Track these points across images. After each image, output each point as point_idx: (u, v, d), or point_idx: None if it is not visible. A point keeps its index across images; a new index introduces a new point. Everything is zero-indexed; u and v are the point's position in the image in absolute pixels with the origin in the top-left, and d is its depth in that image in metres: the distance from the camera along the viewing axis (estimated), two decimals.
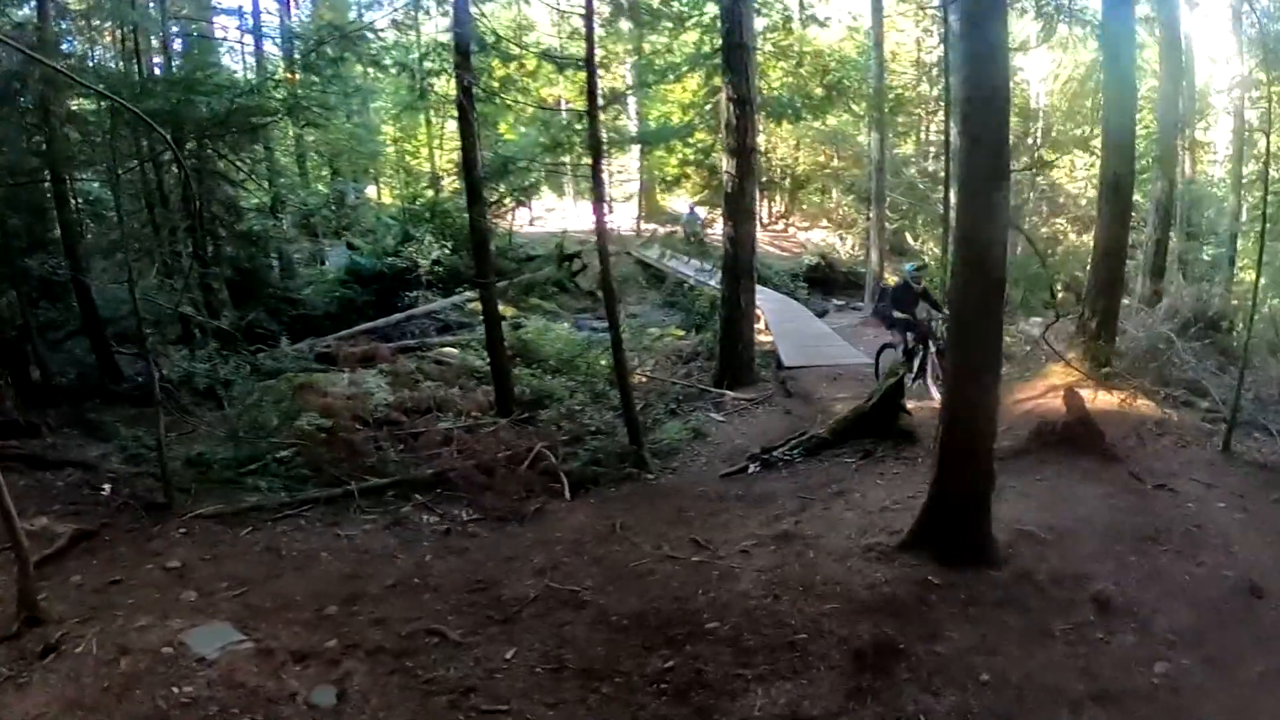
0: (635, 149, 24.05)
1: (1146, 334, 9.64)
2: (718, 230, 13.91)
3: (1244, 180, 15.11)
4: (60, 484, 7.35)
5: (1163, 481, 5.79)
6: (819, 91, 14.52)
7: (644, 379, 11.85)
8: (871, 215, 18.91)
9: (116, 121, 8.94)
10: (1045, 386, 7.23)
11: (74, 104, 10.30)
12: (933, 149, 23.27)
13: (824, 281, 21.65)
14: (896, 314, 9.61)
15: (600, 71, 19.61)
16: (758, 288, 15.41)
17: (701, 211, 19.30)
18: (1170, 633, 3.88)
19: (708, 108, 16.65)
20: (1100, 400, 7.30)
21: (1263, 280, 12.14)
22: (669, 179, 25.99)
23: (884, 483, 6.02)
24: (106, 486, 7.45)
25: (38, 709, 3.64)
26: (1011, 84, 4.90)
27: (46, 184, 10.12)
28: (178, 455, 7.78)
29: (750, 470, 7.36)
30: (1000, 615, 4.02)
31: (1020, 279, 8.27)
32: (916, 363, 9.51)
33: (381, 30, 13.46)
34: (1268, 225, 12.29)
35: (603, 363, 11.36)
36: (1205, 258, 15.68)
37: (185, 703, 3.41)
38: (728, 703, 3.42)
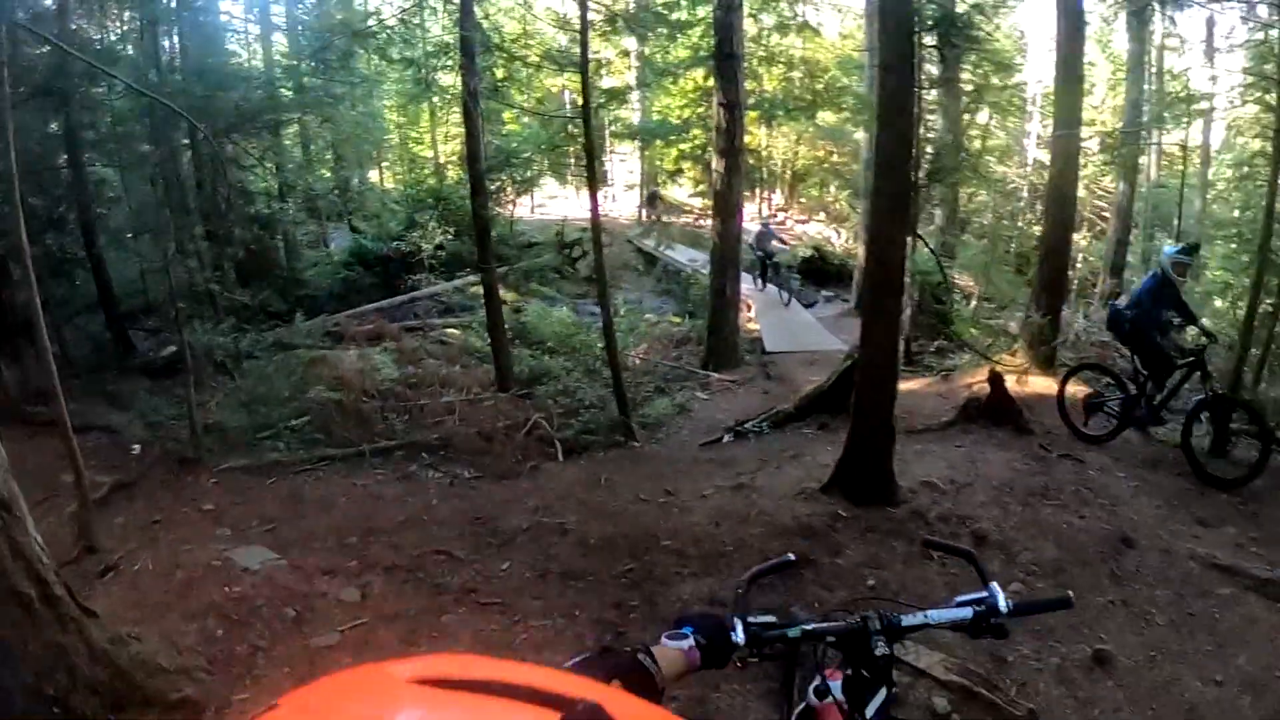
0: (636, 140, 24.59)
1: (1098, 327, 10.40)
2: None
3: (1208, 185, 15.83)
4: (89, 445, 7.96)
5: (1069, 452, 6.49)
6: (809, 96, 15.17)
7: (638, 360, 12.55)
8: (861, 210, 19.53)
9: (149, 112, 9.60)
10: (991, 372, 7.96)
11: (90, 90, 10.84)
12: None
13: (817, 273, 22.10)
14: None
15: (603, 71, 20.24)
16: (750, 278, 16.17)
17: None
18: (1033, 564, 4.58)
19: (701, 109, 17.29)
20: (1039, 385, 8.07)
21: (1214, 279, 12.93)
22: (669, 170, 26.60)
23: (832, 448, 6.66)
24: (137, 446, 8.16)
25: (108, 611, 4.36)
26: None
27: (63, 167, 10.74)
28: (196, 423, 8.46)
29: (724, 440, 8.14)
30: (891, 541, 4.81)
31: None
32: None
33: (390, 26, 14.02)
34: (1231, 229, 13.06)
35: (599, 346, 12.03)
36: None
37: (236, 598, 4.14)
38: (666, 589, 4.30)
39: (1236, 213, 13.18)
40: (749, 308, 15.12)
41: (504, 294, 14.68)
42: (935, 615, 1.51)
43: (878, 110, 5.24)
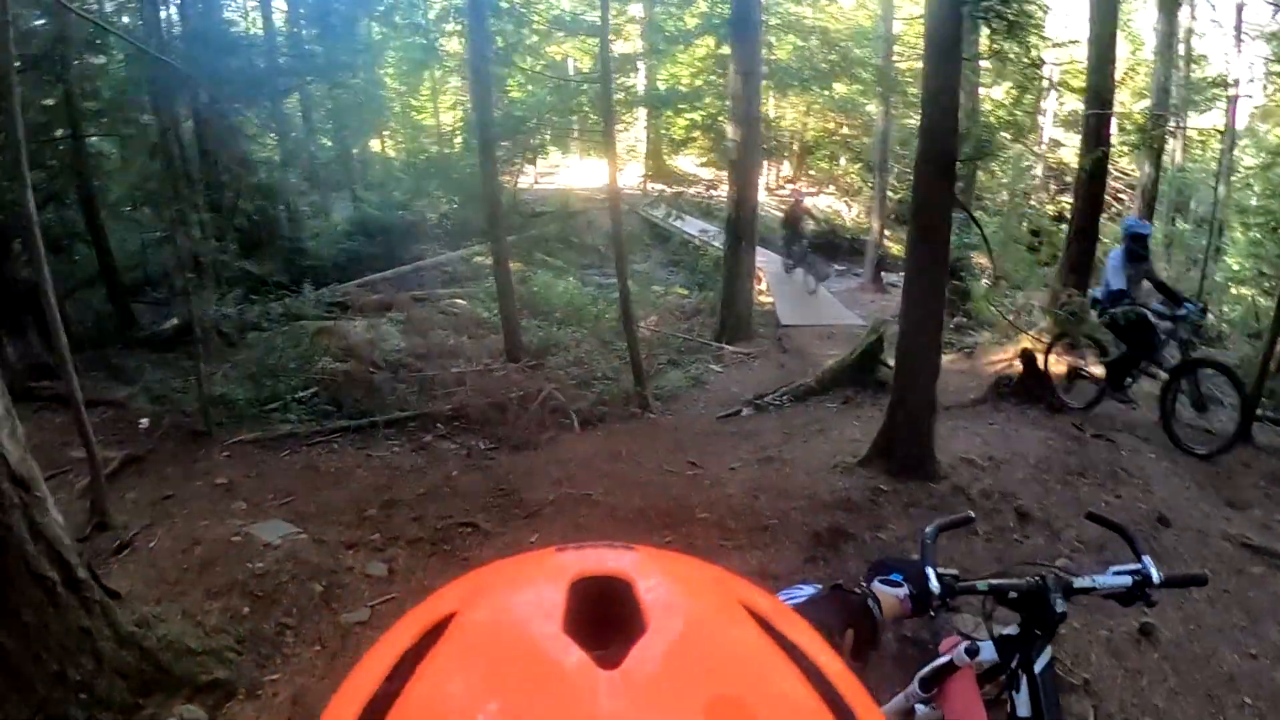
0: (642, 109, 24.24)
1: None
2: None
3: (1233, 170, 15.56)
4: (96, 420, 7.84)
5: (1102, 433, 6.40)
6: (825, 65, 14.86)
7: (649, 332, 12.39)
8: (875, 184, 19.29)
9: (141, 77, 9.36)
10: (1017, 351, 7.83)
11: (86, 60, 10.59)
12: None
13: (828, 247, 21.91)
14: None
15: (611, 36, 19.90)
16: (761, 250, 15.94)
17: None
18: (1076, 541, 4.56)
19: (713, 76, 16.97)
20: (1066, 365, 7.94)
21: (1243, 267, 12.83)
22: (676, 140, 26.23)
23: (859, 423, 6.68)
24: (144, 420, 8.03)
25: (125, 590, 4.23)
26: None
27: (61, 139, 10.51)
28: (205, 395, 8.34)
29: (743, 413, 8.01)
30: (934, 516, 4.63)
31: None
32: None
33: None
34: (1251, 217, 12.92)
35: (608, 315, 11.88)
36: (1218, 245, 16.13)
37: (259, 574, 4.02)
38: (715, 561, 4.07)
39: (1257, 200, 13.04)
40: (761, 280, 14.94)
41: (510, 264, 14.52)
42: (1100, 580, 1.63)
43: (924, 79, 5.10)
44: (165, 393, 8.75)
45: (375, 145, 25.33)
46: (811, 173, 27.29)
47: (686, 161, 26.76)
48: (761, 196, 22.20)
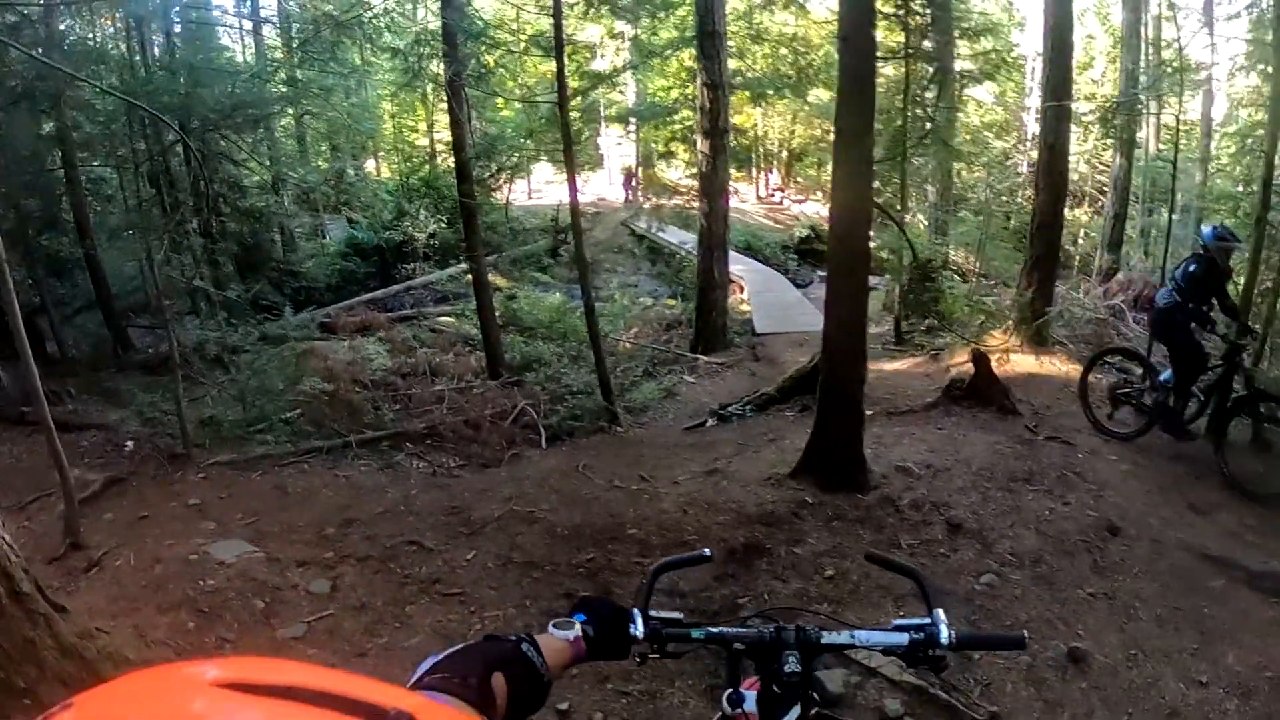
0: (632, 123, 24.50)
1: (1091, 304, 10.32)
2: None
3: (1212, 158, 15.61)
4: (85, 443, 8.15)
5: (1057, 434, 6.31)
6: (793, 73, 15.07)
7: (628, 345, 12.61)
8: None
9: (128, 112, 9.64)
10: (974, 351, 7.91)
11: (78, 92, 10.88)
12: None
13: (814, 253, 22.10)
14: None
15: (588, 54, 20.16)
16: (744, 259, 16.12)
17: None
18: (1010, 554, 4.47)
19: (689, 89, 17.23)
20: (1030, 364, 7.99)
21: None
22: (660, 152, 26.53)
23: (810, 431, 6.71)
24: (129, 443, 8.27)
25: (87, 606, 4.46)
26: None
27: (57, 169, 10.82)
28: (190, 418, 8.51)
29: (708, 424, 8.19)
30: (857, 529, 4.77)
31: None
32: None
33: (374, 15, 13.96)
34: (1237, 204, 12.92)
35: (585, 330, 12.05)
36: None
37: (209, 591, 4.23)
38: (625, 580, 4.33)
39: (1241, 187, 13.07)
40: (741, 289, 15.12)
41: (497, 280, 14.78)
42: (863, 636, 1.39)
43: (838, 83, 5.14)
44: (155, 415, 8.97)
45: (370, 166, 25.67)
46: (799, 180, 27.54)
47: (676, 173, 27.06)
48: (749, 206, 22.46)
